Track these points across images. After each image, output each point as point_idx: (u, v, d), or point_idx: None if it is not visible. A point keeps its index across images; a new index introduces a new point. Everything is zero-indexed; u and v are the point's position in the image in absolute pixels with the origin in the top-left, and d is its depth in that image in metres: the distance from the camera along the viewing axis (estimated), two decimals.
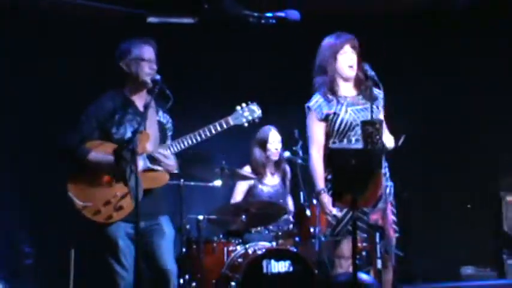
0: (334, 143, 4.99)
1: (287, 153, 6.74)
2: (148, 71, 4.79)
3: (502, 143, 6.67)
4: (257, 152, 6.87)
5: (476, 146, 7.13)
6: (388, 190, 4.93)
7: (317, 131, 5.06)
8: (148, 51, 4.85)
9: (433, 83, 7.24)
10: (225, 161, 6.14)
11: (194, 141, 4.77)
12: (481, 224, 7.08)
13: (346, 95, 5.05)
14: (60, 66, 6.56)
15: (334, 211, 4.93)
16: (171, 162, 4.80)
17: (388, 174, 4.97)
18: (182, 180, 5.97)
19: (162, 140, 4.91)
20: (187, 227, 6.16)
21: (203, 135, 4.77)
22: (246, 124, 4.88)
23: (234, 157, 7.03)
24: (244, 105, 4.88)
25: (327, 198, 4.95)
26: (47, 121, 6.42)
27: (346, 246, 4.90)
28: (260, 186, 6.88)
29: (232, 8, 5.99)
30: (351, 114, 4.97)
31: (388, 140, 5.00)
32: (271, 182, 6.93)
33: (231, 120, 4.82)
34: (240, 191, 6.89)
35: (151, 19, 6.09)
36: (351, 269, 4.80)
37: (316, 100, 5.05)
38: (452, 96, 7.18)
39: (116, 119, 4.79)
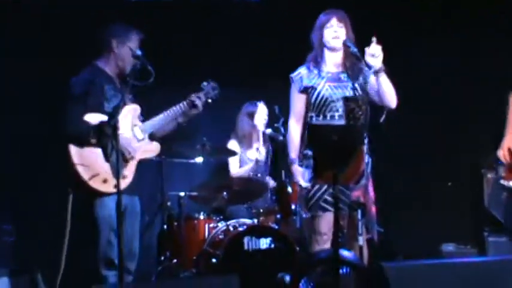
0: (311, 117, 5.00)
1: (268, 130, 6.76)
2: (132, 61, 4.97)
3: (484, 122, 6.67)
4: (245, 121, 6.92)
5: (458, 125, 7.14)
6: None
7: (297, 102, 5.10)
8: (137, 45, 5.04)
9: (416, 61, 7.23)
10: (206, 138, 6.13)
11: (164, 121, 5.11)
12: (462, 202, 7.10)
13: (329, 70, 5.05)
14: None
15: (302, 182, 4.94)
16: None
17: (367, 150, 4.96)
18: (163, 156, 5.94)
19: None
20: (169, 203, 6.14)
21: (170, 115, 5.09)
22: (209, 101, 5.23)
23: (216, 133, 7.03)
24: (206, 83, 5.22)
25: (297, 169, 4.98)
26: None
27: (321, 222, 4.91)
28: (244, 158, 6.90)
29: None
30: (327, 90, 4.98)
31: (391, 95, 4.97)
32: (254, 155, 6.95)
33: (195, 98, 5.17)
34: (233, 165, 6.90)
35: None
36: (327, 245, 4.86)
37: (299, 72, 5.09)
38: (436, 75, 7.18)
39: (104, 93, 4.90)
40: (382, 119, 6.34)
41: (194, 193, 6.17)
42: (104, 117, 4.57)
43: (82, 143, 4.75)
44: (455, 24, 7.10)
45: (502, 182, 5.29)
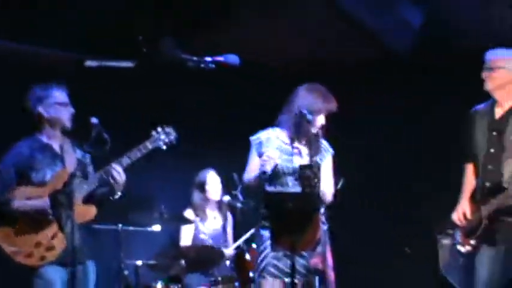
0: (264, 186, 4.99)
1: (226, 197, 6.78)
2: (67, 114, 4.91)
3: (437, 189, 6.75)
4: (196, 194, 6.94)
5: (412, 192, 7.21)
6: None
7: (253, 165, 5.08)
8: (63, 95, 4.97)
9: (373, 129, 7.33)
10: (164, 206, 6.11)
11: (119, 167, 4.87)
12: (419, 267, 7.12)
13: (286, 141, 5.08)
14: None
15: (269, 152, 4.89)
16: (123, 178, 4.86)
17: (324, 217, 4.98)
18: (120, 225, 5.90)
19: (84, 175, 4.94)
20: (126, 272, 6.05)
21: (123, 163, 4.86)
22: (164, 147, 5.01)
23: (176, 202, 7.02)
24: (159, 129, 5.02)
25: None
26: None
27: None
28: (201, 228, 6.88)
29: (170, 51, 6.00)
30: (281, 162, 4.97)
31: (327, 191, 5.03)
32: (211, 225, 6.95)
33: (149, 144, 4.93)
34: (185, 234, 6.88)
35: (89, 63, 6.05)
36: None
37: (258, 136, 5.10)
38: (390, 143, 7.27)
39: (35, 164, 4.83)
40: (339, 186, 6.39)
41: (152, 261, 6.11)
42: None
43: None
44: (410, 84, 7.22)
45: (458, 247, 5.33)
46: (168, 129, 5.04)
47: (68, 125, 4.88)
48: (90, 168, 5.06)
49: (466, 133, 5.37)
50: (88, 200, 4.89)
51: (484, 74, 5.20)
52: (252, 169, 5.07)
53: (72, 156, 4.92)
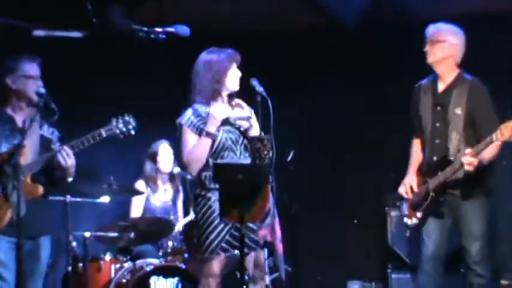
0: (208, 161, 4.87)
1: (177, 169, 6.77)
2: (34, 88, 4.79)
3: (387, 161, 6.82)
4: (148, 165, 6.94)
5: (362, 164, 7.27)
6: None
7: (193, 143, 4.94)
8: (34, 69, 4.87)
9: (321, 100, 7.36)
10: (113, 177, 6.07)
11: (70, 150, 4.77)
12: (367, 240, 7.21)
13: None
14: None
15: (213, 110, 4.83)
16: (71, 162, 4.76)
17: (274, 189, 4.97)
18: (68, 196, 5.84)
19: (45, 153, 4.83)
20: (74, 244, 6.02)
21: (75, 148, 4.76)
22: (121, 136, 4.89)
23: (126, 173, 6.99)
24: (119, 117, 4.91)
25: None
26: None
27: (216, 265, 4.79)
28: (152, 200, 6.88)
29: (120, 22, 5.94)
30: (224, 134, 4.91)
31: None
32: (162, 197, 6.95)
33: (104, 132, 4.83)
34: (136, 206, 6.86)
35: (37, 32, 5.94)
36: None
37: (189, 117, 4.96)
38: (340, 114, 7.30)
39: None
40: (289, 158, 6.42)
41: (100, 233, 6.08)
42: None
43: None
44: (359, 63, 7.25)
45: (405, 220, 5.41)
46: (128, 118, 4.92)
47: (33, 98, 4.76)
48: (56, 146, 4.93)
49: (412, 108, 5.44)
50: (37, 180, 4.81)
51: (426, 48, 5.26)
52: (192, 146, 4.89)
53: (35, 132, 4.83)
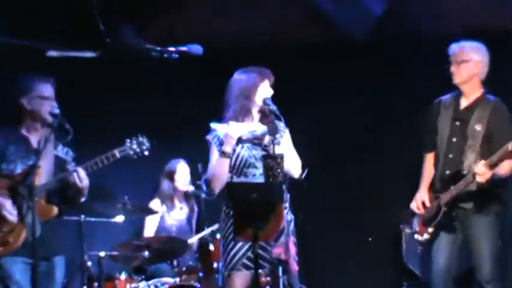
0: (231, 177, 4.92)
1: (191, 188, 6.78)
2: (49, 108, 4.81)
3: (400, 178, 6.80)
4: (165, 183, 6.98)
5: (376, 181, 7.25)
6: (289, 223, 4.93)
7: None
8: (48, 89, 4.91)
9: (335, 115, 7.35)
10: (127, 196, 6.09)
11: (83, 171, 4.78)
12: (382, 257, 7.18)
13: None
14: None
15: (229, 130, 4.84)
16: (85, 183, 4.77)
17: (288, 208, 4.97)
18: (83, 216, 5.87)
19: (60, 173, 4.86)
20: (89, 264, 6.03)
21: (89, 169, 4.78)
22: (134, 156, 4.91)
23: (140, 193, 7.00)
24: (133, 138, 4.93)
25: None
26: None
27: (238, 281, 4.84)
28: (167, 219, 6.89)
29: (133, 41, 5.96)
30: (246, 150, 4.94)
31: (295, 165, 5.02)
32: (178, 215, 6.97)
33: (117, 153, 4.85)
34: (149, 225, 6.88)
35: (51, 53, 5.98)
36: None
37: (215, 134, 5.00)
38: (352, 130, 7.30)
39: (7, 155, 4.78)
40: (303, 175, 6.40)
41: (115, 252, 6.09)
42: None
43: None
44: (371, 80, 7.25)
45: (416, 237, 5.39)
46: (142, 139, 4.94)
47: (49, 120, 4.77)
48: (71, 166, 4.97)
49: (428, 123, 5.42)
50: (52, 200, 4.83)
51: (452, 69, 5.24)
52: (213, 164, 4.95)
53: (50, 152, 4.84)
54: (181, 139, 7.16)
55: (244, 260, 4.82)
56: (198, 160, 6.24)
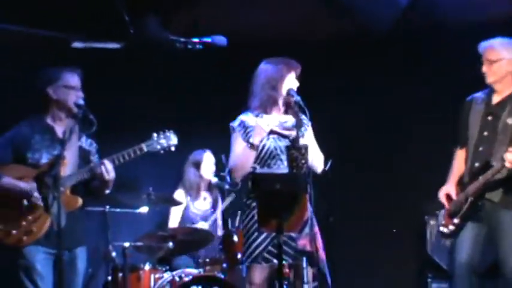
0: (254, 168, 4.90)
1: (215, 179, 6.79)
2: (75, 98, 4.83)
3: (426, 170, 6.76)
4: (191, 172, 6.98)
5: (401, 173, 7.23)
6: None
7: (241, 149, 4.96)
8: (75, 79, 4.91)
9: (358, 108, 7.33)
10: (152, 187, 6.10)
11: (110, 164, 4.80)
12: (406, 248, 7.16)
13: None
14: None
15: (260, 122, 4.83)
16: (111, 175, 4.80)
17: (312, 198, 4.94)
18: (108, 206, 5.89)
19: (84, 165, 4.90)
20: (113, 254, 6.05)
21: (116, 161, 4.80)
22: (161, 151, 4.94)
23: (164, 182, 7.01)
24: (160, 132, 4.94)
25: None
26: None
27: (257, 274, 4.86)
28: (191, 209, 6.90)
29: (158, 33, 5.97)
30: (272, 142, 4.93)
31: (318, 160, 5.01)
32: (202, 206, 6.98)
33: (145, 147, 4.87)
34: (174, 215, 6.90)
35: (76, 44, 6.01)
36: None
37: (241, 120, 4.99)
38: (377, 122, 7.29)
39: (33, 144, 4.80)
40: (327, 167, 6.38)
41: (139, 243, 6.10)
42: None
43: None
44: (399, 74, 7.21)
45: (441, 229, 5.34)
46: (169, 134, 4.96)
47: (74, 110, 4.80)
48: (94, 158, 5.03)
49: (460, 119, 5.37)
50: (77, 191, 4.86)
51: (484, 69, 5.19)
52: (238, 153, 4.94)
53: (75, 143, 4.88)
54: (205, 132, 7.17)
55: (265, 254, 4.82)
56: (222, 153, 6.25)
